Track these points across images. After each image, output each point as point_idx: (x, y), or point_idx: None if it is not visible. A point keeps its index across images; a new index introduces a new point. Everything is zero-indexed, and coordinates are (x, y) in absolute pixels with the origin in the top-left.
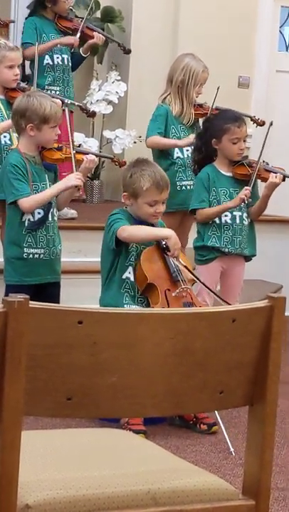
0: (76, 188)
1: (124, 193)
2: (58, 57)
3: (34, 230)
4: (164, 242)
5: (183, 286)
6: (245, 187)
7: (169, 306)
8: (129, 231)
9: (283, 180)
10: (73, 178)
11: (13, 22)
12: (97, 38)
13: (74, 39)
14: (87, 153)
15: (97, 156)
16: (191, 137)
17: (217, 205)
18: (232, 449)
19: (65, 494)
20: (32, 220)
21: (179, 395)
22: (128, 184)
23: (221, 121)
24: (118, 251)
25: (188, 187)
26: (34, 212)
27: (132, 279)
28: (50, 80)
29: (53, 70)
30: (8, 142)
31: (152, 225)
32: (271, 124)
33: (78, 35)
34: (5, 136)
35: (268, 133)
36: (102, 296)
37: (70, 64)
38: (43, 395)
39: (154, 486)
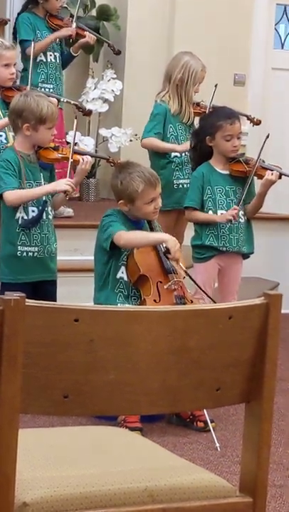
0: (65, 194)
1: (120, 201)
2: (50, 55)
3: (28, 228)
4: (164, 245)
5: (175, 279)
6: (234, 206)
7: (160, 299)
8: (126, 238)
9: (280, 177)
10: (63, 184)
11: (9, 21)
12: (89, 37)
13: (71, 30)
14: (84, 154)
15: (92, 156)
16: (188, 143)
17: (210, 208)
18: (218, 445)
19: (63, 492)
20: (26, 218)
21: (175, 392)
22: (121, 191)
23: (214, 118)
24: (112, 252)
25: (185, 185)
26: (28, 210)
27: (126, 278)
28: (43, 77)
29: (46, 67)
30: (4, 141)
31: (150, 222)
32: (267, 136)
33: (74, 25)
34: (0, 135)
35: (265, 141)
36: (96, 296)
37: (61, 62)
38: (40, 393)
39: (151, 483)
